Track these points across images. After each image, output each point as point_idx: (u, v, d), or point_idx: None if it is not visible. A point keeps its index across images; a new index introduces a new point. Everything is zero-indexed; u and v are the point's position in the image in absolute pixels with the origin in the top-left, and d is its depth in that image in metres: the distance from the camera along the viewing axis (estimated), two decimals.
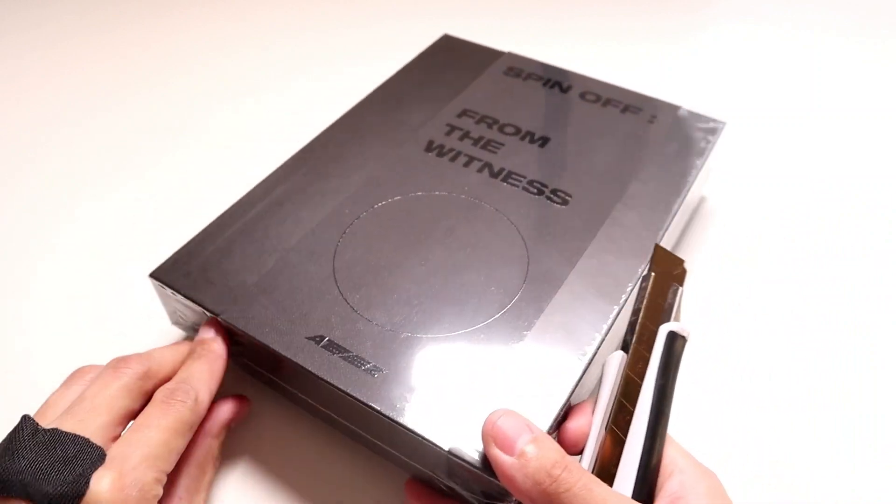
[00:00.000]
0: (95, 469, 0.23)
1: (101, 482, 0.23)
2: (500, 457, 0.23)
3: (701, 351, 0.37)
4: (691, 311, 0.39)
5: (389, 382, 0.28)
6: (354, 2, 0.69)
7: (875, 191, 0.48)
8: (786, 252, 0.44)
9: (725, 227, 0.45)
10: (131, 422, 0.27)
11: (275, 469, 0.32)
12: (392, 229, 0.35)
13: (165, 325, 0.37)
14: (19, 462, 0.23)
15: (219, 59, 0.61)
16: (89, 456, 0.24)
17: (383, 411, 0.27)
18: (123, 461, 0.24)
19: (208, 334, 0.31)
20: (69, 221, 0.45)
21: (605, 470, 0.24)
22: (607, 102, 0.43)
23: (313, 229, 0.35)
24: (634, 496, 0.24)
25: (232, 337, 0.32)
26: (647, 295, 0.28)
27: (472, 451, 0.26)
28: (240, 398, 0.33)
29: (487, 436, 0.24)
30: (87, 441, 0.24)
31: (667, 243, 0.37)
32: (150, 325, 0.38)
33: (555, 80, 0.45)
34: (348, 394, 0.28)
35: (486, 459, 0.25)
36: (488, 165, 0.39)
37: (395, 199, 0.36)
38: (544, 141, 0.40)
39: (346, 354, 0.29)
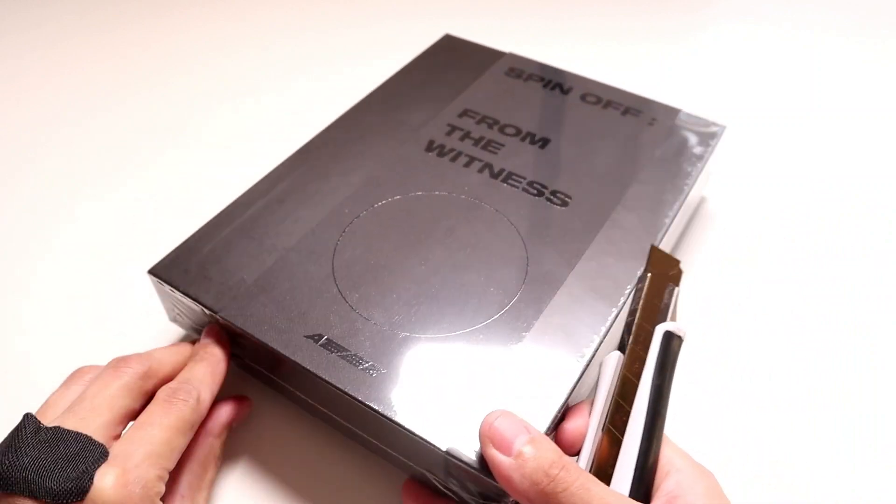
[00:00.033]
0: (98, 466, 0.24)
1: (105, 479, 0.23)
2: (498, 457, 0.23)
3: (701, 351, 0.37)
4: (691, 312, 0.39)
5: (388, 382, 0.28)
6: (354, 2, 0.69)
7: (875, 191, 0.48)
8: (786, 252, 0.44)
9: (725, 227, 0.45)
10: (131, 421, 0.27)
11: (274, 469, 0.32)
12: (392, 229, 0.35)
13: (164, 322, 0.37)
14: (22, 459, 0.23)
15: (219, 59, 0.61)
16: (92, 453, 0.24)
17: (381, 411, 0.27)
18: (127, 459, 0.24)
19: (210, 339, 0.32)
20: (69, 221, 0.46)
21: (602, 470, 0.24)
22: (608, 104, 0.43)
23: (313, 228, 0.35)
24: (631, 496, 0.24)
25: (232, 337, 0.32)
26: (643, 296, 0.28)
27: (469, 451, 0.26)
28: (241, 398, 0.33)
29: (484, 436, 0.24)
30: (89, 439, 0.24)
31: (666, 244, 0.37)
32: (149, 322, 0.38)
33: (555, 82, 0.45)
34: (346, 393, 0.28)
35: (483, 460, 0.25)
36: (489, 166, 0.39)
37: (395, 198, 0.36)
38: (545, 142, 0.40)
39: (344, 353, 0.29)
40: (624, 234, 0.34)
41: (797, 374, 0.37)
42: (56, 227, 0.45)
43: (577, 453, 0.26)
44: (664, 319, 0.27)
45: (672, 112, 0.43)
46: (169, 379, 0.29)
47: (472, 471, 0.25)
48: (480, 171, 0.38)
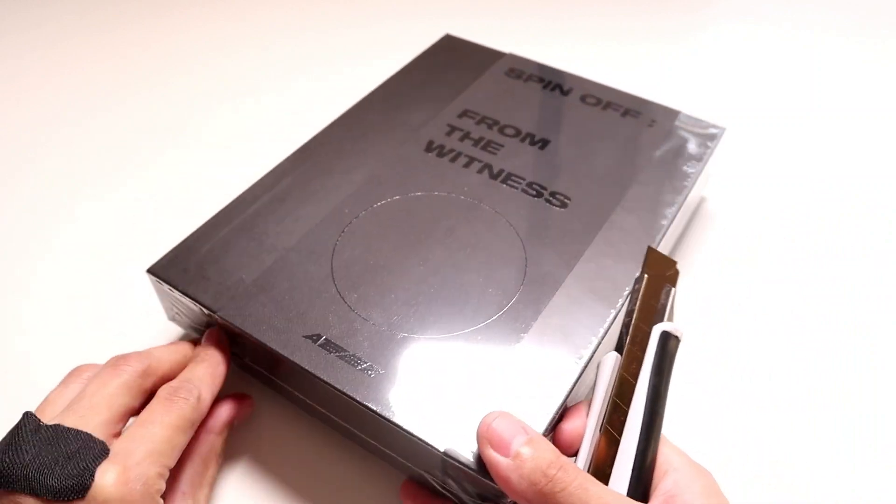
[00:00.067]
0: (99, 463, 0.24)
1: (106, 476, 0.23)
2: (496, 458, 0.23)
3: (701, 351, 0.37)
4: (691, 312, 0.39)
5: (386, 382, 0.28)
6: (354, 2, 0.69)
7: (875, 191, 0.48)
8: (786, 252, 0.44)
9: (725, 227, 0.45)
10: (132, 418, 0.27)
11: (273, 469, 0.32)
12: (391, 229, 0.35)
13: (164, 322, 0.37)
14: (23, 457, 0.23)
15: (219, 59, 0.61)
16: (92, 451, 0.24)
17: (379, 411, 0.27)
18: (128, 456, 0.24)
19: (211, 341, 0.32)
20: (69, 221, 0.46)
21: (600, 470, 0.24)
22: (607, 106, 0.43)
23: (312, 228, 0.35)
24: (629, 495, 0.24)
25: (231, 337, 0.32)
26: (639, 297, 0.28)
27: (467, 452, 0.26)
28: (242, 397, 0.33)
29: (482, 437, 0.24)
30: (89, 436, 0.24)
31: (666, 245, 0.37)
32: (149, 322, 0.38)
33: (555, 83, 0.45)
34: (345, 393, 0.28)
35: (481, 461, 0.25)
36: (488, 166, 0.39)
37: (395, 198, 0.36)
38: (544, 143, 0.40)
39: (343, 354, 0.29)
40: (623, 236, 0.34)
41: (797, 374, 0.37)
42: (56, 227, 0.45)
43: (575, 454, 0.26)
44: (661, 320, 0.27)
45: (672, 114, 0.43)
46: (168, 377, 0.29)
47: (470, 472, 0.25)
48: (480, 171, 0.38)
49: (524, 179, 0.38)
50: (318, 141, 0.40)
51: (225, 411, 0.31)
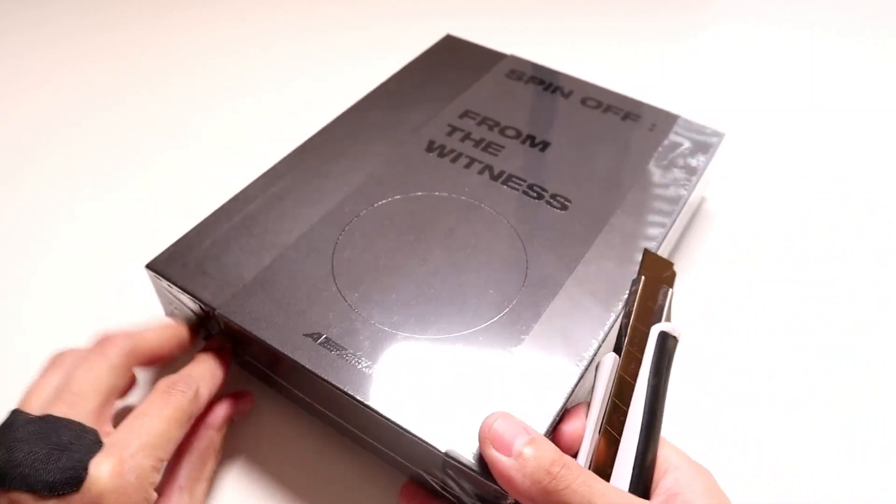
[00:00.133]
0: (93, 455, 0.24)
1: (101, 467, 0.23)
2: (498, 458, 0.23)
3: (701, 351, 0.37)
4: (691, 312, 0.39)
5: (387, 382, 0.28)
6: (354, 2, 0.69)
7: (875, 191, 0.48)
8: (786, 252, 0.44)
9: (725, 227, 0.45)
10: (118, 400, 0.27)
11: (272, 467, 0.32)
12: (392, 228, 0.35)
13: (161, 317, 0.37)
14: (16, 454, 0.23)
15: (219, 59, 0.61)
16: (85, 441, 0.24)
17: (380, 410, 0.27)
18: (123, 448, 0.24)
19: (213, 343, 0.32)
20: (69, 221, 0.46)
21: (601, 470, 0.25)
22: (608, 109, 0.43)
23: (313, 226, 0.34)
24: (631, 493, 0.24)
25: (230, 334, 0.32)
26: (637, 298, 0.28)
27: (468, 453, 0.26)
28: (242, 393, 0.33)
29: (484, 438, 0.24)
30: (81, 426, 0.24)
31: (666, 247, 0.37)
32: (147, 318, 0.38)
33: (556, 85, 0.45)
34: (345, 392, 0.28)
35: (482, 462, 0.25)
36: (489, 168, 0.39)
37: (396, 198, 0.36)
38: (545, 145, 0.40)
39: (343, 352, 0.29)
40: (623, 239, 0.34)
41: (797, 374, 0.37)
42: (56, 227, 0.45)
43: (575, 455, 0.26)
44: (659, 320, 0.27)
45: (671, 118, 0.43)
46: (155, 355, 0.30)
47: (471, 472, 0.25)
48: (481, 172, 0.38)
49: (525, 181, 0.38)
50: (319, 139, 0.40)
51: (224, 407, 0.31)
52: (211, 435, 0.30)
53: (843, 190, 0.48)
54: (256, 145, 0.51)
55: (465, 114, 0.43)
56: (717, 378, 0.37)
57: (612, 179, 0.38)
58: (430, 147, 0.40)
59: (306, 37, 0.64)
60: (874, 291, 0.41)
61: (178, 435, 0.27)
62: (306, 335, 0.30)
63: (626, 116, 0.43)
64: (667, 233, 0.35)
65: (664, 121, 0.43)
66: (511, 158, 0.39)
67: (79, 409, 0.25)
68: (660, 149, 0.41)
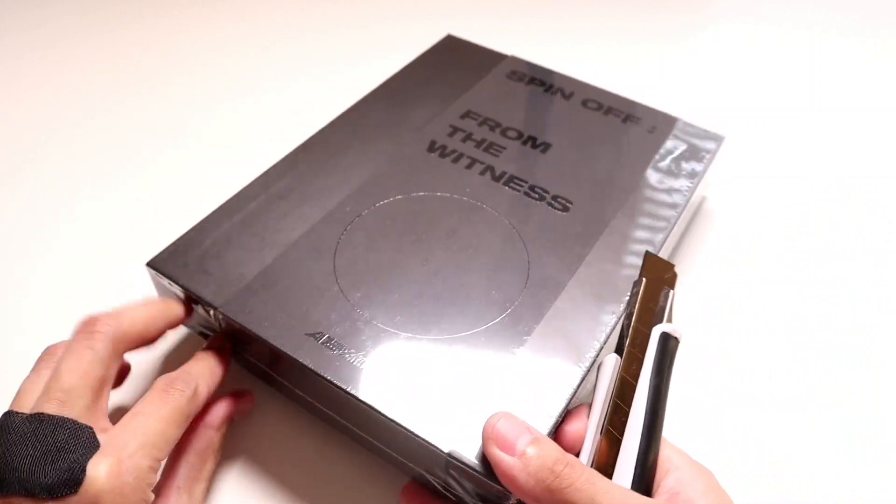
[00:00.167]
0: (90, 454, 0.23)
1: (99, 468, 0.23)
2: (502, 457, 0.24)
3: (701, 351, 0.37)
4: (691, 312, 0.39)
5: (390, 382, 0.28)
6: (354, 2, 0.69)
7: (875, 191, 0.48)
8: (786, 252, 0.44)
9: (725, 227, 0.46)
10: (123, 405, 0.27)
11: (273, 467, 0.32)
12: (394, 228, 0.35)
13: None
14: (12, 458, 0.23)
15: (219, 59, 0.61)
16: (81, 440, 0.24)
17: (383, 411, 0.27)
18: (121, 448, 0.24)
19: (213, 343, 0.32)
20: (69, 221, 0.45)
21: (602, 471, 0.25)
22: (608, 111, 0.44)
23: (314, 225, 0.34)
24: None
25: (231, 333, 0.32)
26: (638, 299, 0.28)
27: (471, 453, 0.26)
28: (242, 393, 0.33)
29: (488, 437, 0.24)
30: (75, 424, 0.24)
31: (667, 248, 0.37)
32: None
33: (557, 87, 0.46)
34: (348, 391, 0.28)
35: (485, 462, 0.25)
36: (490, 168, 0.39)
37: (398, 197, 0.36)
38: (546, 147, 0.40)
39: (346, 352, 0.29)
40: (624, 241, 0.35)
41: (797, 374, 0.37)
42: (56, 227, 0.45)
43: (577, 456, 0.26)
44: (660, 321, 0.27)
45: (672, 121, 0.43)
46: (142, 337, 0.29)
47: (474, 473, 0.25)
48: (482, 173, 0.38)
49: (526, 182, 0.38)
50: (320, 138, 0.40)
51: (224, 406, 0.31)
52: (210, 434, 0.30)
53: (843, 190, 0.48)
54: (256, 145, 0.51)
55: (467, 114, 0.43)
56: (717, 378, 0.37)
57: (612, 182, 0.38)
58: (432, 147, 0.40)
59: (306, 37, 0.64)
60: (874, 291, 0.41)
61: (175, 434, 0.26)
62: (308, 335, 0.30)
63: (627, 119, 0.43)
64: (667, 235, 0.35)
65: (664, 123, 0.43)
66: (512, 159, 0.39)
67: (70, 405, 0.24)
68: (660, 151, 0.41)
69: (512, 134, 0.41)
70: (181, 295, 0.32)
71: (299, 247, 0.33)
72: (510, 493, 0.24)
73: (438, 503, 0.29)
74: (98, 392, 0.26)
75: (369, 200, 0.36)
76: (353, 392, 0.28)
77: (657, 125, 0.43)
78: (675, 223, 0.36)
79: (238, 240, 0.34)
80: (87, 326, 0.27)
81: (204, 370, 0.29)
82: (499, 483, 0.24)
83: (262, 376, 0.34)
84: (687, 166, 0.40)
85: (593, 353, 0.29)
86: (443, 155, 0.39)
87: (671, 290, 0.28)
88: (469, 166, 0.39)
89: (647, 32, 0.65)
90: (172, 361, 0.36)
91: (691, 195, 0.38)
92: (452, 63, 0.47)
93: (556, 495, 0.22)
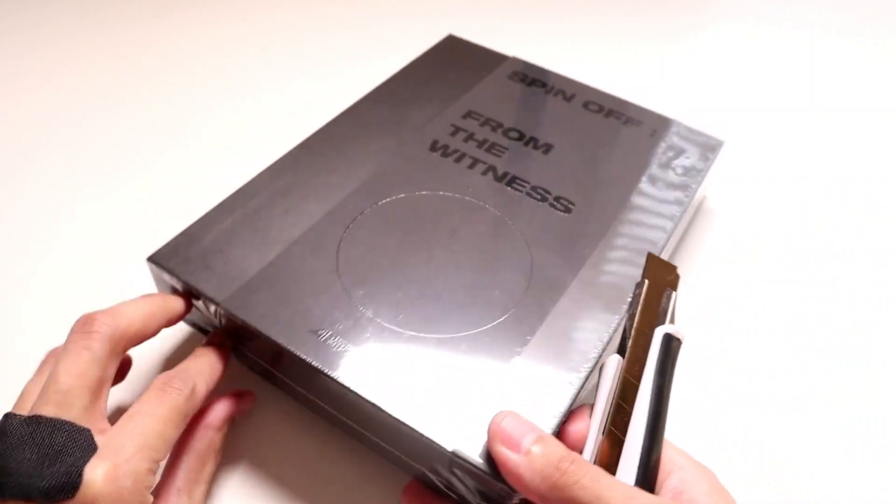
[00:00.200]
0: (87, 458, 0.23)
1: (96, 472, 0.23)
2: (507, 454, 0.24)
3: (701, 351, 0.37)
4: (692, 312, 0.39)
5: (394, 381, 0.28)
6: (354, 2, 0.69)
7: (875, 191, 0.49)
8: (786, 252, 0.44)
9: (725, 227, 0.46)
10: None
11: (274, 466, 0.32)
12: (396, 227, 0.35)
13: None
14: (9, 462, 0.23)
15: (219, 59, 0.61)
16: (78, 443, 0.23)
17: (387, 409, 0.27)
18: (118, 451, 0.24)
19: (212, 340, 0.32)
20: (69, 221, 0.45)
21: (605, 471, 0.25)
22: (609, 113, 0.44)
23: (317, 222, 0.34)
24: None
25: (233, 330, 0.32)
26: (641, 301, 0.28)
27: (475, 452, 0.26)
28: (243, 392, 0.33)
29: (493, 435, 0.24)
30: (72, 426, 0.24)
31: (667, 248, 0.37)
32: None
33: (558, 88, 0.46)
34: (351, 389, 0.28)
35: (489, 460, 0.25)
36: (492, 168, 0.39)
37: (400, 196, 0.36)
38: (548, 148, 0.41)
39: (348, 350, 0.29)
40: (626, 243, 0.35)
41: (797, 374, 0.37)
42: (56, 227, 0.45)
43: None
44: (663, 323, 0.27)
45: (673, 124, 0.43)
46: (141, 335, 0.28)
47: (478, 471, 0.25)
48: (484, 173, 0.38)
49: (528, 183, 0.38)
50: (322, 136, 0.40)
51: (225, 406, 0.31)
52: (211, 435, 0.30)
53: (843, 190, 0.48)
54: (256, 145, 0.51)
55: (469, 114, 0.43)
56: (718, 378, 0.37)
57: (614, 183, 0.38)
58: (434, 146, 0.40)
59: (306, 37, 0.64)
60: (874, 291, 0.41)
61: (174, 434, 0.26)
62: (311, 331, 0.29)
63: (628, 121, 0.43)
64: (669, 237, 0.36)
65: (665, 127, 0.43)
66: (514, 160, 0.39)
67: (68, 407, 0.24)
68: (661, 154, 0.41)
69: (514, 135, 0.41)
70: (181, 290, 0.32)
71: (302, 243, 0.33)
72: (514, 491, 0.24)
73: (440, 503, 0.29)
74: (96, 393, 0.25)
75: (372, 198, 0.36)
76: (356, 390, 0.28)
77: (658, 128, 0.43)
78: (678, 225, 0.37)
79: (240, 236, 0.34)
80: (84, 326, 0.27)
81: (202, 367, 0.29)
82: (502, 481, 0.24)
83: (264, 374, 0.34)
84: (687, 169, 0.40)
85: (596, 354, 0.29)
86: (445, 154, 0.39)
87: (674, 292, 0.28)
88: (471, 166, 0.39)
89: (646, 32, 0.65)
90: (174, 361, 0.36)
91: (692, 197, 0.38)
92: (453, 63, 0.47)
93: (561, 492, 0.22)
